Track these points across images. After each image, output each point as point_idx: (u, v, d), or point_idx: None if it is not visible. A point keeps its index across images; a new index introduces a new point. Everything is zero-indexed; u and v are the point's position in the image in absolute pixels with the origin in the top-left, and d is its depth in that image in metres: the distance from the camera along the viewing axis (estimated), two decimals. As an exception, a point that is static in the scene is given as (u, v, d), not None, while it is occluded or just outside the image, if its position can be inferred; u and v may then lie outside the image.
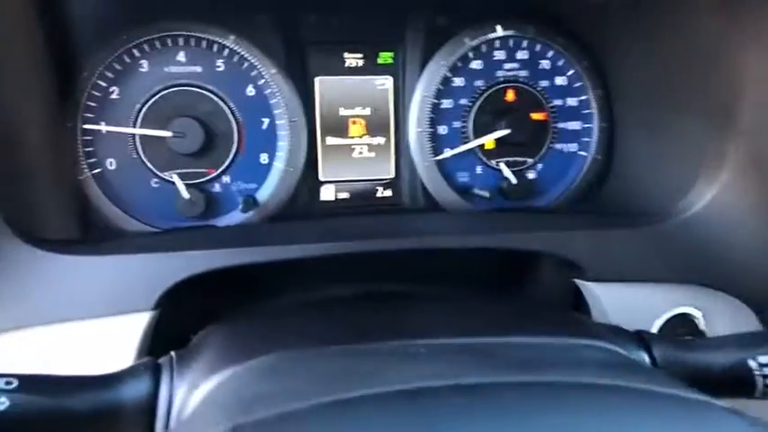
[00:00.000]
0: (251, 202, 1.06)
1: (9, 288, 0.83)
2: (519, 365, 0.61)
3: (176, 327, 0.85)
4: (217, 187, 1.10)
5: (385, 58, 1.16)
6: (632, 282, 0.98)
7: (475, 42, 1.15)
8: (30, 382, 0.61)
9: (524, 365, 0.61)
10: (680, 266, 0.99)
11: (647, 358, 0.73)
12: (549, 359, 0.64)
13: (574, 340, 0.70)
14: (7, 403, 0.58)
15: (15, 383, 0.60)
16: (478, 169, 1.18)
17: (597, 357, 0.67)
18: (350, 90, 1.15)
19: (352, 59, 1.15)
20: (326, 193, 1.16)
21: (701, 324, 0.98)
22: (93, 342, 0.84)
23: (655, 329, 0.97)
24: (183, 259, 0.88)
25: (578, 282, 1.00)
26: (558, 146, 1.20)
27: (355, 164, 1.16)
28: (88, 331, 0.84)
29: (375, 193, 1.18)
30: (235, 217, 1.09)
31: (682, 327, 0.98)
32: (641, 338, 0.76)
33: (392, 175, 1.18)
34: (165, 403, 0.64)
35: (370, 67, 1.15)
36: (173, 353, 0.73)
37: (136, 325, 0.85)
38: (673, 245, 0.99)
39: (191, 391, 0.63)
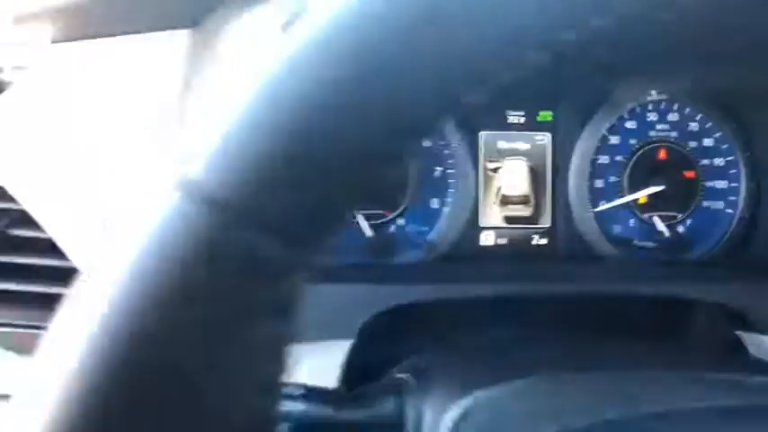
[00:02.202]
0: (430, 245, 1.16)
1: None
2: None
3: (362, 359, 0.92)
4: (392, 228, 1.20)
5: (544, 116, 1.25)
6: None
7: (630, 105, 1.24)
8: (314, 393, 0.69)
9: None
10: None
11: None
12: None
13: None
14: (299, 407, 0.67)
15: (302, 391, 0.69)
16: (632, 222, 1.25)
17: None
18: (511, 144, 1.25)
19: (514, 117, 1.25)
20: (487, 239, 1.24)
21: None
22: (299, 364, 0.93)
23: None
24: (382, 291, 0.97)
25: (741, 334, 1.04)
26: (707, 203, 1.26)
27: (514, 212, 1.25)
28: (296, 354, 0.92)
29: (531, 241, 1.25)
30: (409, 256, 1.19)
31: None
32: None
33: (548, 224, 1.26)
34: (413, 424, 0.66)
35: (531, 124, 1.25)
36: (404, 375, 0.79)
37: (338, 352, 0.93)
38: None
39: (440, 414, 0.65)
